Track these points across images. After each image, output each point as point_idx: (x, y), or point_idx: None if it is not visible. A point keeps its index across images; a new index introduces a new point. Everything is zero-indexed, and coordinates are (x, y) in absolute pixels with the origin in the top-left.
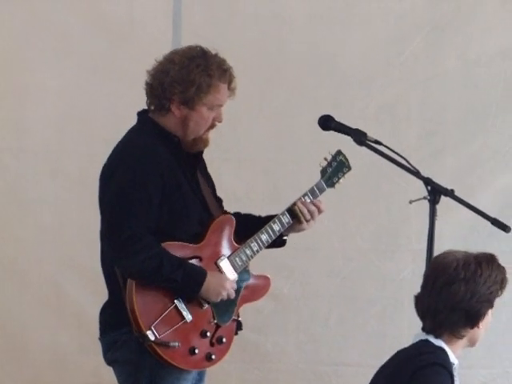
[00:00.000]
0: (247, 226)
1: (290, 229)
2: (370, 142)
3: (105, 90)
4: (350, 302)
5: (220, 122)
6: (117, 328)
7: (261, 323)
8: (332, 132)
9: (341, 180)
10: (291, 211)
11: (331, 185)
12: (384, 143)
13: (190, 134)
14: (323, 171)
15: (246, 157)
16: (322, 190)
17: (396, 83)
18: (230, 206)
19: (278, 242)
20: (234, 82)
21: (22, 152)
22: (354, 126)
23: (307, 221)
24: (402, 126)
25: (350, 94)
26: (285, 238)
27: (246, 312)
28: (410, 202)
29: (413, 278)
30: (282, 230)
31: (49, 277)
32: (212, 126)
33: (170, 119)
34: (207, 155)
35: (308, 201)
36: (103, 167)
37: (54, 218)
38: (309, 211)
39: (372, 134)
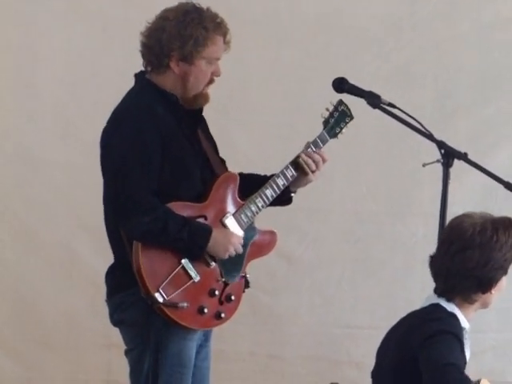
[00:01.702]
0: (251, 185)
1: (297, 182)
2: (383, 105)
3: (117, 50)
4: (362, 264)
5: (218, 75)
6: (123, 289)
7: (274, 285)
8: (345, 94)
9: (343, 130)
10: (295, 163)
11: (334, 135)
12: (398, 106)
13: (190, 90)
14: (325, 122)
15: (259, 120)
16: (324, 141)
17: (410, 45)
18: (241, 168)
19: (285, 199)
20: (229, 35)
21: (33, 113)
22: (367, 89)
23: (313, 171)
24: (415, 89)
25: (363, 55)
26: (292, 194)
27: (258, 274)
28: (423, 165)
29: (425, 241)
30: (286, 183)
31: (60, 238)
32: (211, 81)
33: (169, 77)
34: (218, 118)
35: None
36: (103, 131)
37: (65, 179)
38: (313, 161)
39: (385, 96)
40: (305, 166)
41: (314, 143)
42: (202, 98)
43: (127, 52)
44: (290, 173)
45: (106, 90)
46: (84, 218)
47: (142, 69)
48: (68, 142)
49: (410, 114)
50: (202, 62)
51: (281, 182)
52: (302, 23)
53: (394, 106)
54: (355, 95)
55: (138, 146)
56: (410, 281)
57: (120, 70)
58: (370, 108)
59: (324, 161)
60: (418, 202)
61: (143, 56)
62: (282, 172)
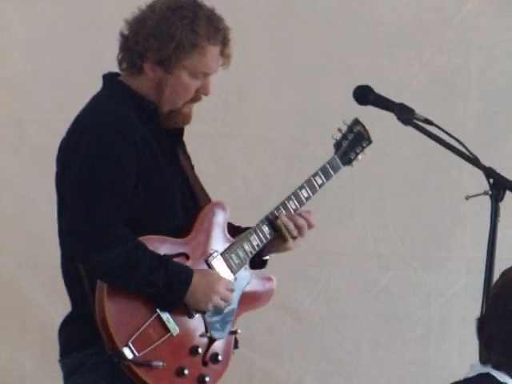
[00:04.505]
0: None
1: (271, 246)
2: (418, 121)
3: (84, 45)
4: (386, 321)
5: (206, 94)
6: (82, 347)
7: (274, 346)
8: (369, 107)
9: (359, 156)
10: (272, 224)
11: (347, 162)
12: (436, 123)
13: (164, 104)
14: (337, 145)
15: (260, 134)
16: (336, 169)
17: (452, 48)
18: (238, 194)
19: (258, 262)
20: (229, 47)
21: None
22: (398, 101)
23: (293, 238)
24: (457, 102)
25: (393, 60)
26: (266, 258)
27: (256, 332)
28: (467, 197)
29: (467, 293)
30: (260, 244)
31: (7, 279)
32: (195, 99)
33: (143, 82)
34: (211, 133)
35: (292, 208)
36: (61, 143)
37: (16, 202)
38: (296, 226)
39: (420, 110)
40: (284, 231)
41: (323, 170)
42: (180, 116)
43: (99, 46)
44: (268, 231)
45: (70, 92)
46: (38, 253)
47: (112, 70)
48: (21, 155)
49: (452, 133)
50: (183, 72)
51: (256, 240)
52: (320, 18)
53: (430, 123)
54: (382, 108)
55: (108, 162)
56: (447, 343)
57: (89, 67)
58: (399, 125)
59: (310, 226)
60: (458, 245)
61: (119, 47)
62: (259, 227)
